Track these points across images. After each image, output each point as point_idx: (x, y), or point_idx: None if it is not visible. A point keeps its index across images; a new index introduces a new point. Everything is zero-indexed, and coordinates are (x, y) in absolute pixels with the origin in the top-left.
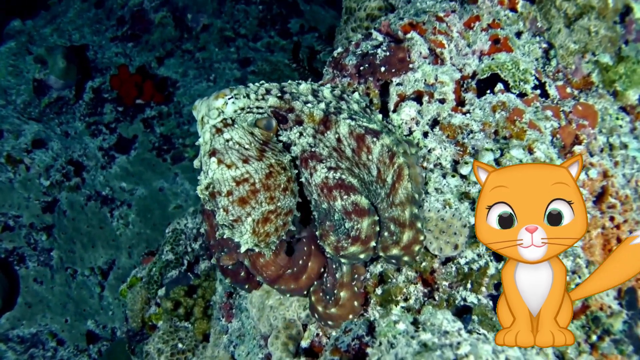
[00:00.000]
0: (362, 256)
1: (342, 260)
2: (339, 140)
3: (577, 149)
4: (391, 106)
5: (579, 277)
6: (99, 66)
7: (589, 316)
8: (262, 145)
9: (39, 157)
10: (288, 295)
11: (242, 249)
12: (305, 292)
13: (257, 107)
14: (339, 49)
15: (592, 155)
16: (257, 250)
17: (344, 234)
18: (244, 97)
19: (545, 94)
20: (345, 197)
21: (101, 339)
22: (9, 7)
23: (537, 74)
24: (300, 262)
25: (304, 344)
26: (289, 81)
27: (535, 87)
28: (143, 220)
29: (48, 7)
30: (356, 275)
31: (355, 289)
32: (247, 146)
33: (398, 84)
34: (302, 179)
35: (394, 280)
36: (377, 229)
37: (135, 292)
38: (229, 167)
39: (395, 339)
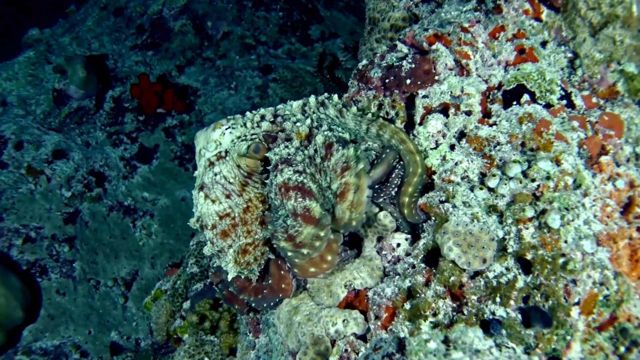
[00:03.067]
0: (289, 254)
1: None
2: (315, 150)
3: (604, 159)
4: (417, 119)
5: (607, 289)
6: (119, 75)
7: (617, 327)
8: (246, 179)
9: (60, 168)
10: (252, 304)
11: (229, 277)
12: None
13: (252, 135)
14: (364, 61)
15: (618, 166)
16: (242, 276)
17: (282, 227)
18: (241, 126)
19: (571, 104)
20: (300, 199)
21: (125, 350)
22: (26, 15)
23: (563, 84)
24: (264, 283)
25: None
26: (295, 102)
27: (561, 98)
28: (166, 230)
29: (66, 15)
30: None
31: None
32: (231, 180)
33: (424, 97)
34: (268, 182)
35: (423, 295)
36: (318, 244)
37: (160, 305)
38: (213, 201)
39: (427, 357)
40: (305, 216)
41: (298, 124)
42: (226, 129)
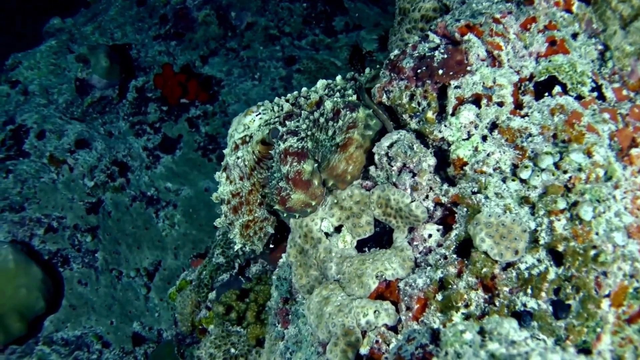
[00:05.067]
0: (284, 215)
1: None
2: (322, 114)
3: (634, 151)
4: (449, 109)
5: (637, 281)
6: (142, 65)
7: None
8: (255, 164)
9: (83, 158)
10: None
11: (236, 247)
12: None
13: (276, 118)
14: (396, 51)
15: None
16: (246, 248)
17: (275, 189)
18: (270, 110)
19: (602, 97)
20: (295, 164)
21: (147, 340)
22: (48, 4)
23: (593, 76)
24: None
25: (363, 351)
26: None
27: (592, 90)
28: (189, 221)
29: (88, 4)
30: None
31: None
32: (246, 163)
33: (456, 87)
34: (273, 152)
35: (455, 286)
36: (309, 210)
37: (185, 296)
38: (231, 182)
39: (462, 348)
40: (295, 180)
41: (311, 95)
42: (256, 115)
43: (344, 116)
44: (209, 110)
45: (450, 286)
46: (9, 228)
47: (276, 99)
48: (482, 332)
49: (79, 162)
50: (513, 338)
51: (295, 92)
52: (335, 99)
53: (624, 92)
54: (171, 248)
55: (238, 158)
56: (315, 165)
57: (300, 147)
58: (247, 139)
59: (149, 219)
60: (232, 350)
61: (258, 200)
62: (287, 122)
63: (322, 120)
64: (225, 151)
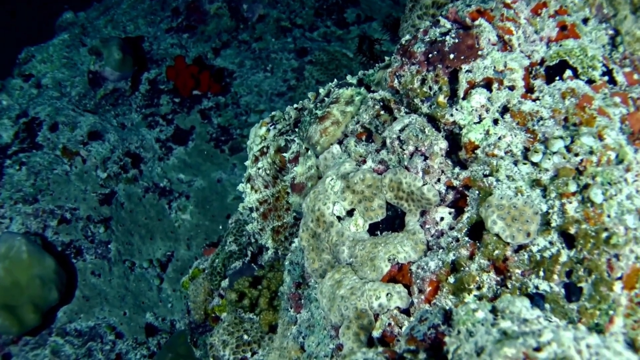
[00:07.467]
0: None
1: None
2: (315, 101)
3: None
4: (461, 93)
5: None
6: (154, 57)
7: None
8: (277, 173)
9: (96, 149)
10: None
11: (269, 252)
12: None
13: (287, 126)
14: (407, 37)
15: None
16: (279, 252)
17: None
18: (283, 120)
19: (612, 81)
20: (292, 170)
21: (160, 331)
22: None
23: (604, 60)
24: None
25: (376, 333)
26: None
27: (603, 74)
28: (202, 212)
29: None
30: None
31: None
32: (268, 172)
33: (467, 71)
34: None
35: (467, 268)
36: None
37: (198, 284)
38: (256, 191)
39: (475, 327)
40: (291, 184)
41: (309, 94)
42: (270, 126)
43: (332, 94)
44: (221, 101)
45: (462, 268)
46: (22, 220)
47: (287, 108)
48: (494, 310)
49: (92, 153)
50: (525, 316)
51: (306, 100)
52: (329, 84)
53: (635, 77)
54: (184, 239)
55: (259, 169)
56: (312, 160)
57: (297, 151)
58: (265, 150)
59: (161, 210)
60: (245, 336)
61: (285, 206)
62: (296, 129)
63: (311, 106)
64: (247, 163)
